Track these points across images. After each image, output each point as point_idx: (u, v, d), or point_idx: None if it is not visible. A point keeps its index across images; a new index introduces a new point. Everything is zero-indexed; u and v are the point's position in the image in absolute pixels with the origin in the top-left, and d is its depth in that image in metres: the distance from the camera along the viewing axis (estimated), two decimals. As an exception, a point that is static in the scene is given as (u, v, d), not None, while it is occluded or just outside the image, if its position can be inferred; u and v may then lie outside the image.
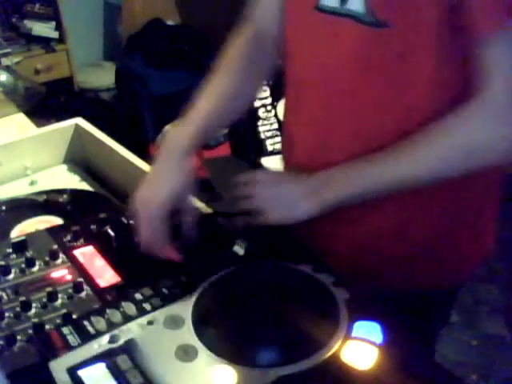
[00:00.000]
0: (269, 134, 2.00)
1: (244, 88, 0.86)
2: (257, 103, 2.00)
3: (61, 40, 2.64)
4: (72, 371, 0.56)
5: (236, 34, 0.88)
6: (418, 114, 0.69)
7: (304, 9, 0.74)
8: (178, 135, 0.79)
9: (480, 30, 0.62)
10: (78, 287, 0.70)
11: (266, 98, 2.00)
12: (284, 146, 0.94)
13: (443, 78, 0.68)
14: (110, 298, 0.68)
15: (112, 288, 0.71)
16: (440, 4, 0.63)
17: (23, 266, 0.75)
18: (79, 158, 1.15)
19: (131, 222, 0.79)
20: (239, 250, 0.72)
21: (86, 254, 0.77)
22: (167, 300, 0.64)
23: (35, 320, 0.65)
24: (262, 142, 1.99)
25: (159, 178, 0.77)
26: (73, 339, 0.60)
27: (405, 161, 0.70)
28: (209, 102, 0.82)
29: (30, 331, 0.64)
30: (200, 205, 0.88)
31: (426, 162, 0.69)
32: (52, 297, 0.68)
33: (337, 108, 0.74)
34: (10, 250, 0.77)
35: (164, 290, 0.66)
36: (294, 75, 0.82)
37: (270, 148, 1.99)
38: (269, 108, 2.01)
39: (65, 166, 1.15)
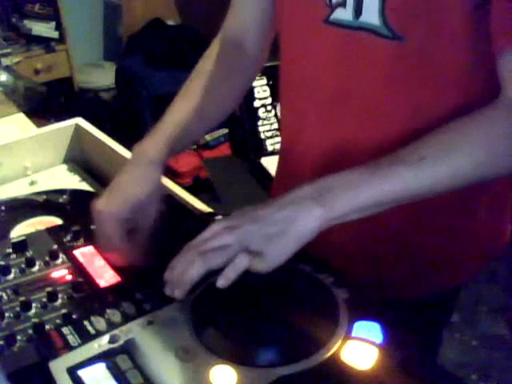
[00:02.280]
0: (269, 134, 2.00)
1: (217, 99, 0.84)
2: (257, 103, 2.00)
3: (61, 40, 2.65)
4: (72, 371, 0.56)
5: (214, 41, 0.87)
6: (444, 122, 0.65)
7: (310, 22, 0.72)
8: (146, 146, 0.78)
9: (502, 43, 0.61)
10: (77, 287, 0.70)
11: (265, 98, 2.00)
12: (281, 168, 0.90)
13: (469, 86, 0.67)
14: (110, 298, 0.68)
15: (112, 288, 0.70)
16: (461, 15, 0.61)
17: (23, 266, 0.74)
18: (79, 158, 1.15)
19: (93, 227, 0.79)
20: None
21: (86, 253, 0.77)
22: (167, 300, 0.64)
23: (35, 320, 0.65)
24: (262, 142, 1.99)
25: (123, 186, 0.75)
26: (73, 339, 0.60)
27: (435, 164, 0.61)
28: (181, 111, 0.81)
29: (30, 331, 0.64)
30: (200, 205, 0.89)
31: (461, 165, 0.61)
32: (52, 297, 0.68)
33: (353, 125, 0.72)
34: (10, 250, 0.77)
35: (164, 290, 0.66)
36: (295, 90, 0.79)
37: (269, 148, 1.99)
38: (269, 108, 2.01)
39: (65, 166, 1.15)
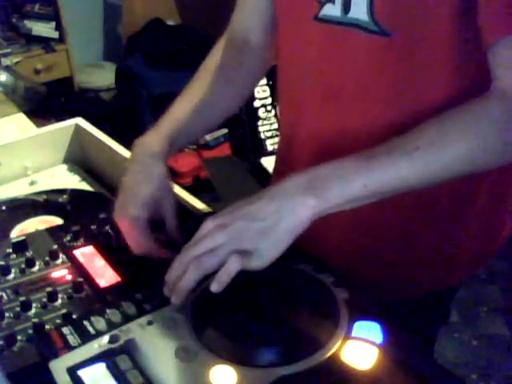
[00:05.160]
0: (269, 133, 2.00)
1: (220, 98, 0.85)
2: (257, 103, 2.00)
3: (61, 40, 2.65)
4: (72, 371, 0.56)
5: (219, 41, 0.87)
6: (431, 113, 0.64)
7: (302, 19, 0.72)
8: (148, 141, 0.78)
9: (490, 34, 0.60)
10: (77, 287, 0.70)
11: (265, 98, 2.00)
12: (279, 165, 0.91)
13: (456, 79, 0.67)
14: (110, 298, 0.68)
15: (112, 288, 0.71)
16: (449, 11, 0.62)
17: (23, 266, 0.74)
18: (79, 158, 1.15)
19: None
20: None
21: (86, 254, 0.77)
22: (167, 300, 0.64)
23: (35, 320, 0.65)
24: (262, 142, 1.99)
25: (132, 187, 0.75)
26: (73, 339, 0.60)
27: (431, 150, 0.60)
28: (183, 109, 0.81)
29: (30, 331, 0.64)
30: (200, 205, 0.89)
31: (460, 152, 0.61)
32: (52, 297, 0.68)
33: (346, 119, 0.72)
34: (10, 250, 0.77)
35: (163, 290, 0.66)
36: (290, 86, 0.80)
37: (269, 148, 2.00)
38: (269, 108, 2.01)
39: (65, 166, 1.15)
